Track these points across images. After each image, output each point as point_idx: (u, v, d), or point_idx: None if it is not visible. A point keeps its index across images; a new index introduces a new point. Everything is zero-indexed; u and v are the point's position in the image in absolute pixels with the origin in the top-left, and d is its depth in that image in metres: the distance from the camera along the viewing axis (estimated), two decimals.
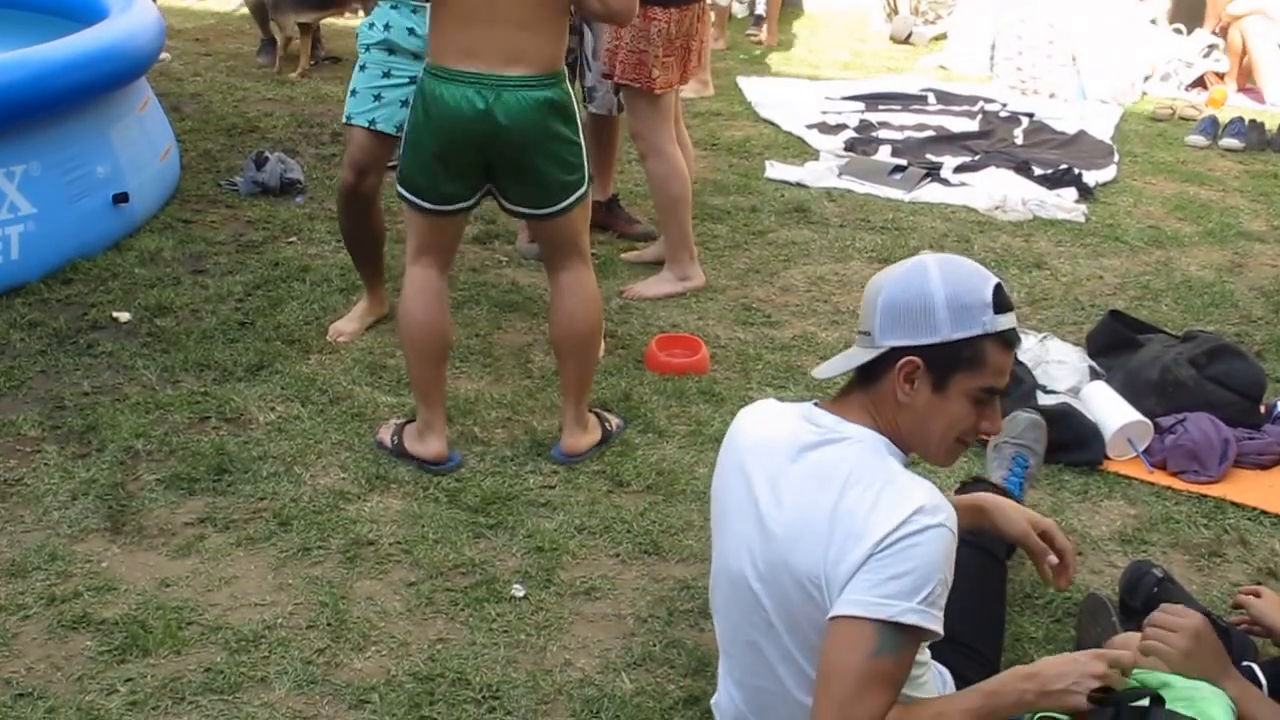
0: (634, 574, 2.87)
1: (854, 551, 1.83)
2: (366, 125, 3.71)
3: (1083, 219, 5.37)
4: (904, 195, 5.58)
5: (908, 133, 6.54)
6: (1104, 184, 5.88)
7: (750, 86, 7.48)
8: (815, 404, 2.05)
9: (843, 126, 6.62)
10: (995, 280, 1.97)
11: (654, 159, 4.32)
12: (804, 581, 1.91)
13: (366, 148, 3.76)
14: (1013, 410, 3.13)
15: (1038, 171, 5.85)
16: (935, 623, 1.83)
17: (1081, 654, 1.93)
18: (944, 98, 7.32)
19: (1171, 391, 3.55)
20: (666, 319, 4.20)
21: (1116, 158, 6.29)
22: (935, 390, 1.95)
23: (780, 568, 1.95)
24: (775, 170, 5.86)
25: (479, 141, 2.96)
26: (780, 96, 7.21)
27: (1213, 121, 6.82)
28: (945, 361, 1.94)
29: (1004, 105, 7.25)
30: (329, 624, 2.65)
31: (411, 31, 3.61)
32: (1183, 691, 1.89)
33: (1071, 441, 3.36)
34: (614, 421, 3.45)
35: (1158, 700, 1.85)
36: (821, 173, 5.81)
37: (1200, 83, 7.92)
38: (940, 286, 1.93)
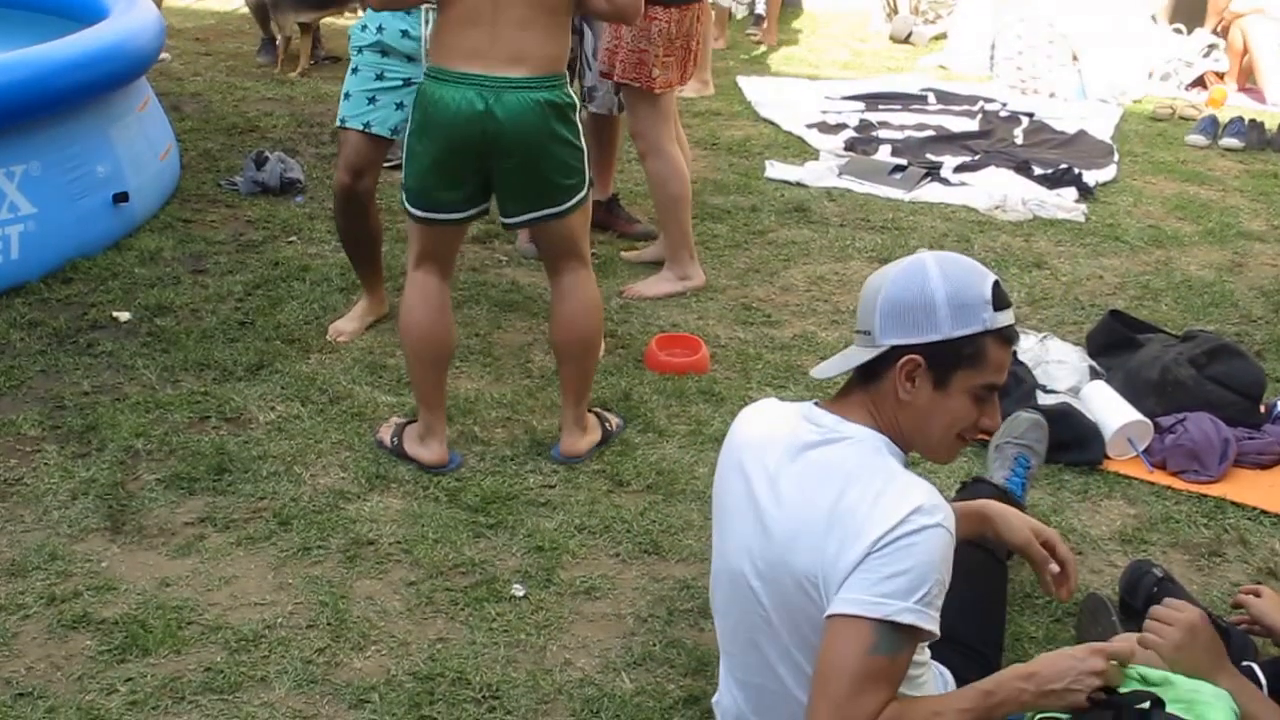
0: (634, 574, 2.87)
1: (851, 550, 1.84)
2: (361, 128, 3.71)
3: (1083, 219, 5.37)
4: (904, 195, 5.58)
5: (908, 132, 6.54)
6: (1104, 184, 5.88)
7: (750, 86, 7.48)
8: (815, 403, 2.05)
9: (843, 126, 6.62)
10: (993, 277, 1.98)
11: (654, 158, 4.32)
12: (802, 580, 1.91)
13: (361, 150, 3.75)
14: (1013, 410, 3.13)
15: (1038, 171, 5.86)
16: (932, 623, 1.83)
17: (1079, 649, 1.93)
18: (944, 97, 7.32)
19: (1171, 391, 3.55)
20: (666, 318, 4.20)
21: (1116, 157, 6.30)
22: (936, 388, 1.95)
23: (779, 567, 1.95)
24: (775, 170, 5.86)
25: (479, 143, 2.95)
26: (780, 96, 7.21)
27: (1213, 121, 6.82)
28: (946, 359, 1.94)
29: (1004, 105, 7.25)
30: (329, 624, 2.65)
31: (405, 34, 3.60)
32: (1184, 693, 1.88)
33: (1071, 441, 3.36)
34: (614, 421, 3.45)
35: (1158, 703, 1.84)
36: (821, 172, 5.81)
37: (1200, 82, 7.93)
38: (940, 284, 1.93)
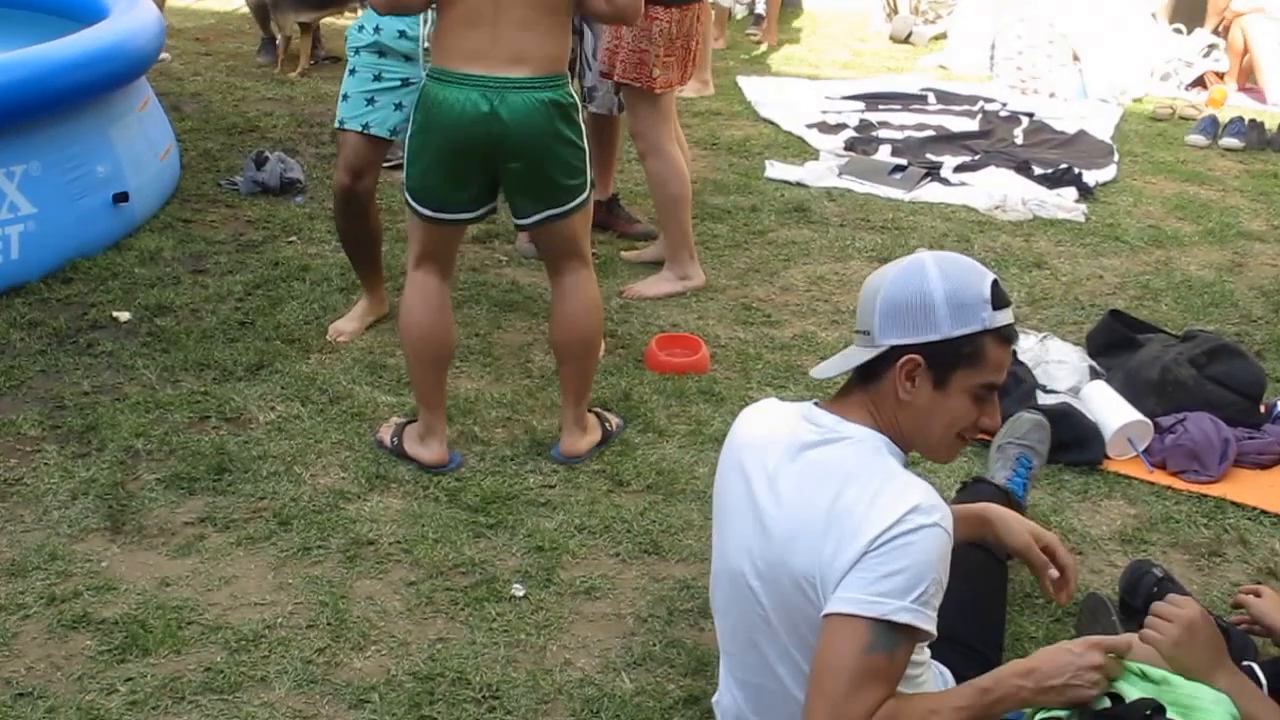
0: (634, 574, 2.87)
1: (848, 549, 1.84)
2: (360, 129, 3.70)
3: (1083, 219, 5.37)
4: (904, 195, 5.58)
5: (908, 132, 6.54)
6: (1104, 184, 5.88)
7: (750, 86, 7.48)
8: (815, 403, 2.06)
9: (843, 126, 6.62)
10: (992, 276, 1.98)
11: (654, 158, 4.32)
12: (800, 580, 1.91)
13: (360, 151, 3.75)
14: (1014, 410, 3.12)
15: (1038, 171, 5.86)
16: (929, 623, 1.83)
17: (1077, 643, 1.92)
18: (944, 97, 7.32)
19: (1171, 391, 3.55)
20: (666, 318, 4.20)
21: (1116, 157, 6.30)
22: (936, 387, 1.95)
23: (778, 567, 1.95)
24: (775, 170, 5.86)
25: (483, 145, 2.95)
26: (780, 96, 7.21)
27: (1213, 121, 6.82)
28: (946, 359, 1.94)
29: (1004, 105, 7.25)
30: (329, 623, 2.65)
31: (402, 34, 3.59)
32: (1183, 697, 1.87)
33: (1071, 441, 3.36)
34: (614, 421, 3.45)
35: (1159, 710, 1.83)
36: (821, 172, 5.81)
37: (1200, 82, 7.93)
38: (939, 284, 1.93)
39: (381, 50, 3.64)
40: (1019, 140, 6.54)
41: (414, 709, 2.41)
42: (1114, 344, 3.89)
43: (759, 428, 2.10)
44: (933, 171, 5.85)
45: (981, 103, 7.21)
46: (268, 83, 6.93)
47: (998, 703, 1.87)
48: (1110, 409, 3.47)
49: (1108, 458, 3.40)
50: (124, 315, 3.99)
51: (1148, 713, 1.83)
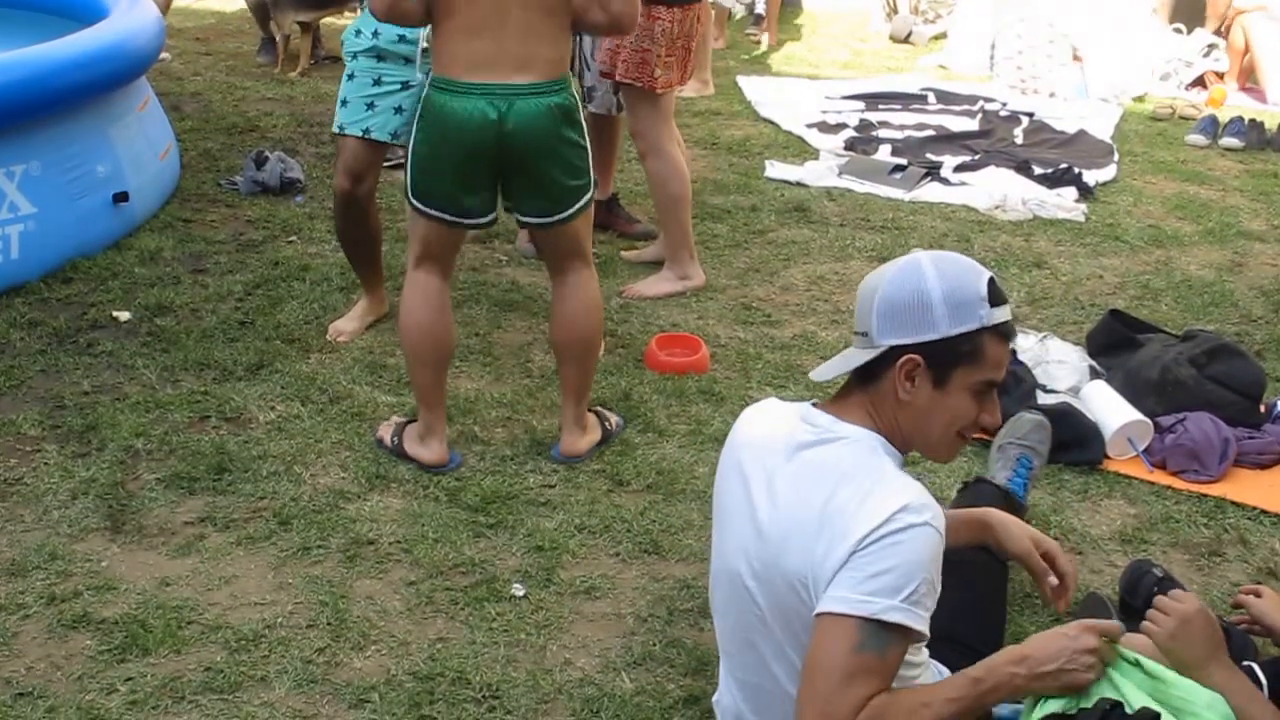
0: (634, 573, 2.87)
1: (838, 548, 1.84)
2: (360, 134, 3.69)
3: (1083, 218, 5.37)
4: (904, 195, 5.58)
5: (908, 132, 6.54)
6: (1104, 183, 5.88)
7: (750, 86, 7.48)
8: (813, 404, 2.06)
9: (843, 126, 6.62)
10: (988, 274, 1.98)
11: (654, 158, 4.33)
12: (793, 581, 1.91)
13: (360, 155, 3.74)
14: (1014, 410, 3.12)
15: (1038, 171, 5.85)
16: (920, 622, 1.82)
17: (1071, 627, 1.91)
18: (944, 97, 7.32)
19: (1171, 391, 3.55)
20: (666, 318, 4.20)
21: (1116, 157, 6.29)
22: (936, 386, 1.96)
23: (773, 567, 1.95)
24: (775, 169, 5.86)
25: (492, 151, 2.96)
26: (780, 96, 7.21)
27: (1213, 121, 6.82)
28: (945, 357, 1.94)
29: (1004, 104, 7.24)
30: (329, 623, 2.65)
31: (401, 38, 3.57)
32: (1176, 699, 1.87)
33: (1071, 441, 3.36)
34: (614, 421, 3.45)
35: (1153, 716, 1.83)
36: (821, 172, 5.81)
37: (1200, 82, 7.92)
38: (937, 283, 1.93)
39: (380, 54, 3.62)
40: (1019, 140, 6.54)
41: (414, 709, 2.41)
42: (1114, 344, 3.89)
43: (759, 428, 2.10)
44: (933, 171, 5.85)
45: (981, 102, 7.21)
46: (268, 83, 6.93)
47: (990, 692, 1.86)
48: (1110, 409, 3.47)
49: (1108, 457, 3.40)
50: (124, 315, 3.99)
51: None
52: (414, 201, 3.07)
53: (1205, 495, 3.27)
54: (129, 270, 4.32)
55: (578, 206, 3.10)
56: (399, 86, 3.63)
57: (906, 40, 9.20)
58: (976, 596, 2.39)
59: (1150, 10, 8.34)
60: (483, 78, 2.90)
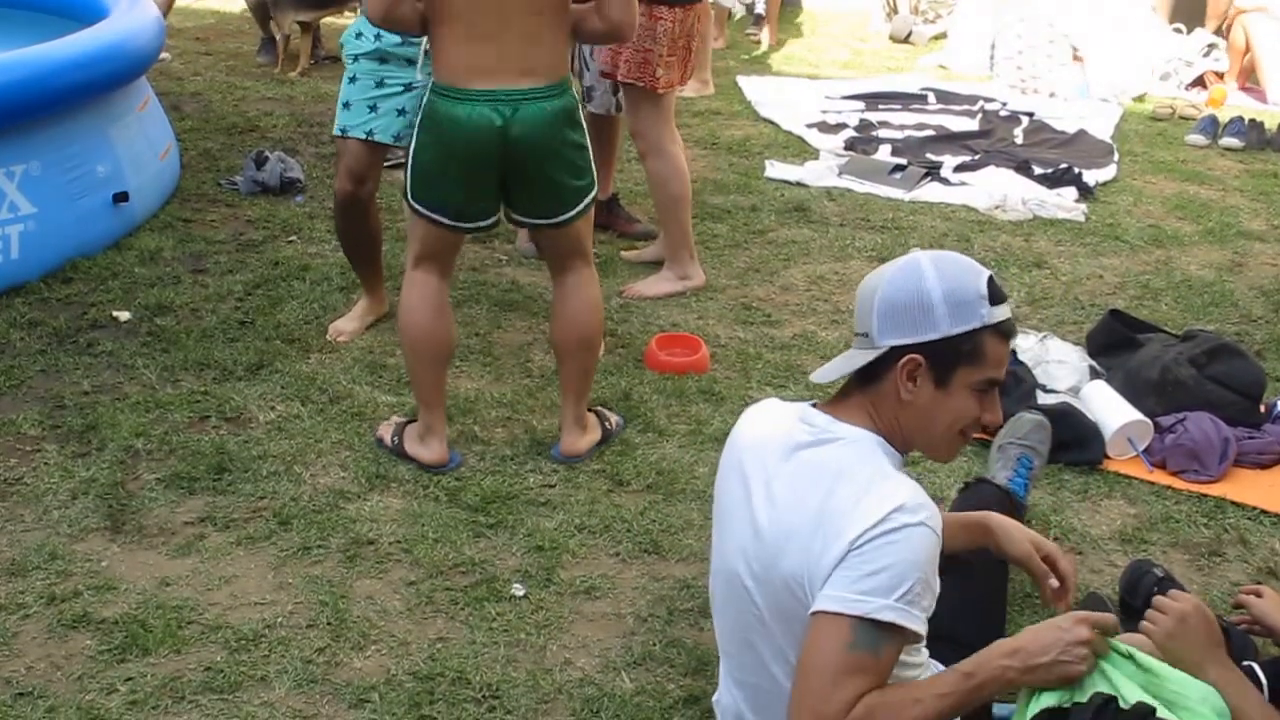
0: (634, 573, 2.87)
1: (833, 548, 1.84)
2: (364, 137, 3.69)
3: (1083, 218, 5.37)
4: (904, 194, 5.58)
5: (908, 132, 6.54)
6: (1104, 183, 5.88)
7: (750, 86, 7.48)
8: (812, 404, 2.06)
9: (843, 126, 6.62)
10: (987, 272, 1.98)
11: (655, 158, 4.33)
12: (790, 582, 1.91)
13: (362, 158, 3.74)
14: (1014, 410, 3.12)
15: (1038, 171, 5.85)
16: (915, 622, 1.82)
17: (1063, 618, 1.90)
18: (944, 97, 7.32)
19: (1171, 391, 3.55)
20: (666, 318, 4.20)
21: (1116, 157, 6.30)
22: (938, 386, 1.96)
23: (771, 568, 1.95)
24: (775, 169, 5.86)
25: (496, 156, 2.96)
26: (780, 96, 7.21)
27: (1212, 121, 6.82)
28: (947, 357, 1.94)
29: (1004, 104, 7.24)
30: (329, 623, 2.65)
31: (404, 40, 3.58)
32: (1169, 692, 1.87)
33: (1071, 441, 3.36)
34: (614, 420, 3.45)
35: (1149, 711, 1.83)
36: (821, 172, 5.81)
37: (1200, 82, 7.92)
38: (937, 283, 1.94)
39: (383, 57, 3.61)
40: (1019, 140, 6.54)
41: (414, 709, 2.41)
42: (1114, 344, 3.89)
43: (760, 428, 2.10)
44: (933, 171, 5.85)
45: (981, 102, 7.21)
46: (268, 82, 6.93)
47: (983, 686, 1.85)
48: (1110, 409, 3.47)
49: (1108, 457, 3.40)
50: (124, 315, 3.99)
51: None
52: (414, 204, 3.07)
53: (1205, 495, 3.27)
54: (129, 270, 4.32)
55: (582, 206, 3.10)
56: (402, 89, 3.63)
57: (906, 40, 9.20)
58: (977, 596, 2.38)
59: (1150, 9, 8.33)
60: (486, 84, 2.89)
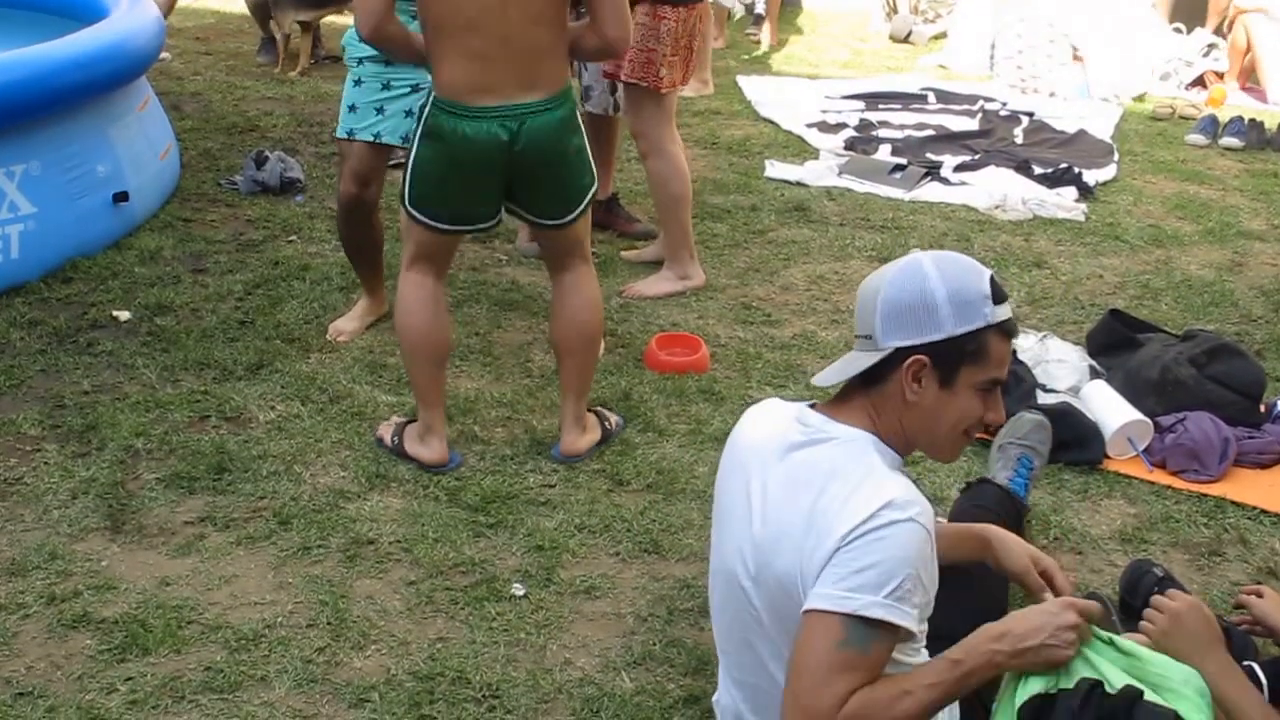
0: (634, 573, 2.87)
1: (824, 546, 1.84)
2: (371, 139, 3.68)
3: (1083, 218, 5.37)
4: (904, 194, 5.58)
5: (908, 132, 6.54)
6: (1104, 183, 5.88)
7: (750, 86, 7.48)
8: (810, 405, 2.05)
9: (843, 125, 6.62)
10: (989, 272, 1.99)
11: (655, 158, 4.33)
12: (784, 581, 1.91)
13: (368, 160, 3.73)
14: (1014, 409, 3.12)
15: (1038, 170, 5.85)
16: (905, 618, 1.81)
17: (1051, 603, 1.90)
18: (944, 97, 7.32)
19: (1171, 391, 3.55)
20: (666, 318, 4.20)
21: (1116, 157, 6.29)
22: (943, 386, 1.96)
23: (767, 568, 1.95)
24: (775, 169, 5.86)
25: (502, 166, 2.97)
26: (780, 96, 7.20)
27: (1212, 120, 6.82)
28: (951, 357, 1.94)
29: (1004, 104, 7.24)
30: (329, 623, 2.65)
31: None
32: (1151, 675, 1.86)
33: (1071, 441, 3.36)
34: (613, 420, 3.45)
35: (1136, 694, 1.83)
36: (821, 172, 5.81)
37: (1200, 82, 7.92)
38: (940, 284, 1.93)
39: (388, 59, 3.61)
40: (1019, 140, 6.54)
41: (414, 708, 2.41)
42: (1114, 343, 3.89)
43: (757, 429, 2.10)
44: (933, 171, 5.84)
45: (981, 102, 7.21)
46: (268, 82, 6.93)
47: (971, 673, 1.84)
48: (1110, 408, 3.47)
49: (1108, 457, 3.40)
50: (124, 315, 3.99)
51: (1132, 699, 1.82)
52: (412, 210, 3.07)
53: (1205, 495, 3.27)
54: (129, 270, 4.32)
55: (585, 205, 3.12)
56: (409, 90, 3.61)
57: (906, 40, 9.20)
58: (977, 598, 2.38)
59: (1150, 9, 8.33)
60: (492, 100, 2.90)
